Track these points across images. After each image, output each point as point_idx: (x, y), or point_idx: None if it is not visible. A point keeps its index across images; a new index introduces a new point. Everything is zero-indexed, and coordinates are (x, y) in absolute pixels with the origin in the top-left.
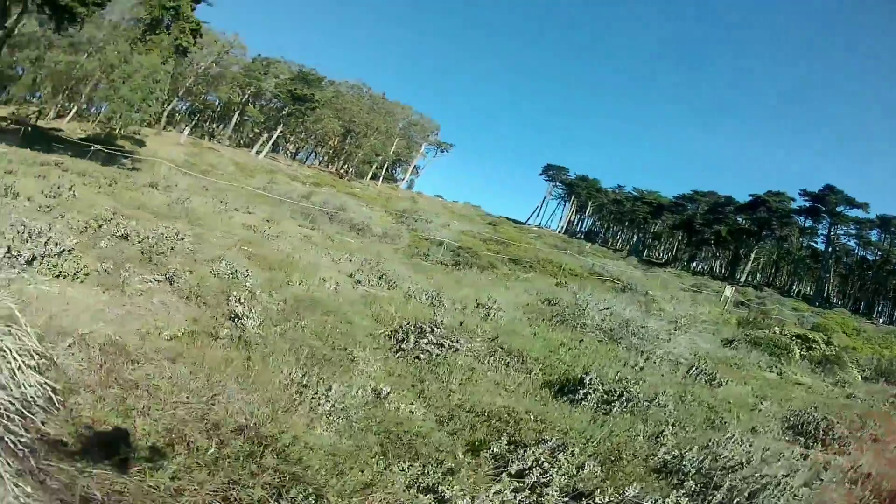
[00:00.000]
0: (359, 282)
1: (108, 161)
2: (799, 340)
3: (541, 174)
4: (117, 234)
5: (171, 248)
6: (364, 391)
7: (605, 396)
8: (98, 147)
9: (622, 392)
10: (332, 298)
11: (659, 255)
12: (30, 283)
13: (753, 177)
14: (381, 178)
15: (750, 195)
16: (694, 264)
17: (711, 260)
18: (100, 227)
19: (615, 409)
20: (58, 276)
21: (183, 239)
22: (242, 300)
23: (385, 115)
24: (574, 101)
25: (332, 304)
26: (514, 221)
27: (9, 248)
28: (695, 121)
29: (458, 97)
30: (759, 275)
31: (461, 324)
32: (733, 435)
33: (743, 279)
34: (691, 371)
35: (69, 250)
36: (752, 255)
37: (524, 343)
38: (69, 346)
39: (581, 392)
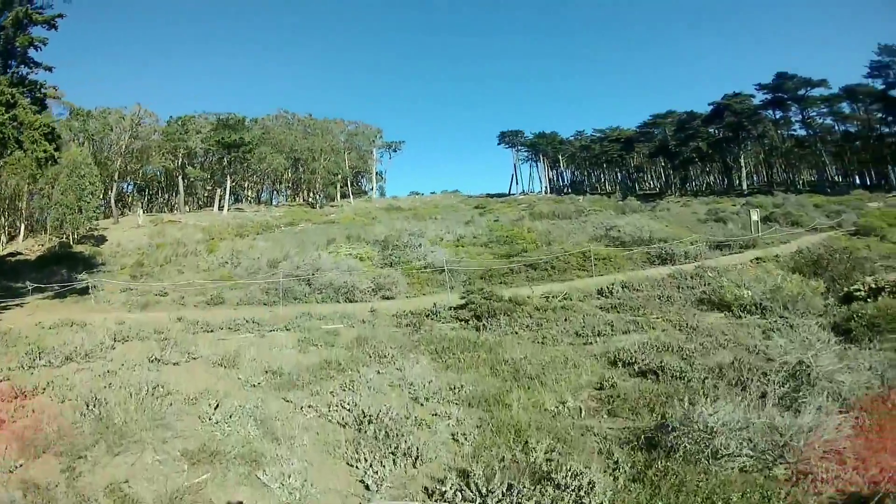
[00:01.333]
0: (367, 488)
1: (63, 288)
2: None
3: (499, 144)
4: None
5: None
6: None
7: None
8: (34, 285)
9: None
10: None
11: (650, 185)
12: None
13: (702, 85)
14: (351, 195)
15: (709, 104)
16: (688, 185)
17: (704, 176)
18: None
19: None
20: None
21: None
22: None
23: (322, 134)
24: (508, 63)
25: None
26: (498, 196)
27: None
28: (627, 44)
29: (396, 95)
30: (755, 177)
31: None
32: None
33: (745, 187)
34: None
35: None
36: (742, 162)
37: None
38: None
39: None
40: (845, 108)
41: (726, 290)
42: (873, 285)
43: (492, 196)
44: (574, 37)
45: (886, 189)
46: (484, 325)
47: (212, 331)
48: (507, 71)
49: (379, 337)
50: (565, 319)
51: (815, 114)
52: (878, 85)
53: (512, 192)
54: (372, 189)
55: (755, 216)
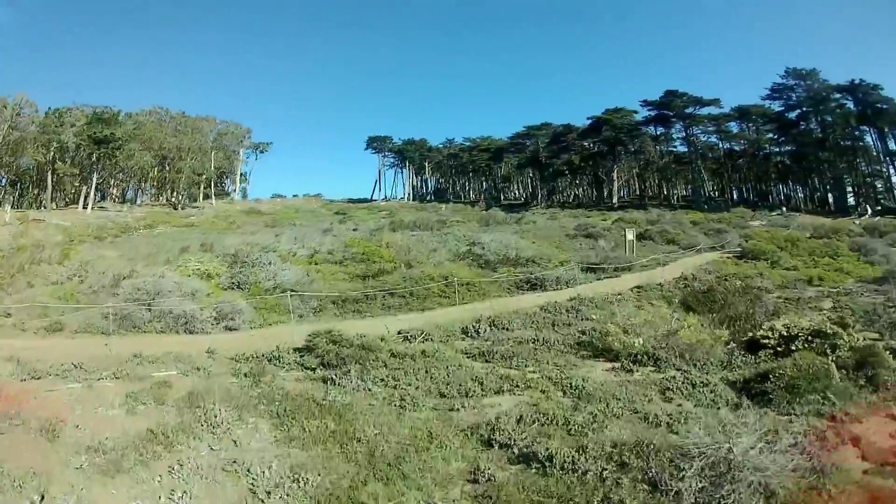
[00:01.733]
0: None
1: None
2: (818, 341)
3: (366, 149)
4: None
5: None
6: None
7: None
8: None
9: None
10: None
11: (516, 195)
12: None
13: (589, 101)
14: (213, 197)
15: (588, 118)
16: (556, 197)
17: (573, 188)
18: None
19: None
20: None
21: None
22: None
23: (192, 133)
24: (382, 70)
25: None
26: (360, 201)
27: None
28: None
29: (267, 94)
30: (626, 190)
31: None
32: None
33: (615, 200)
34: None
35: None
36: (614, 175)
37: None
38: None
39: None
40: (734, 127)
41: (613, 338)
42: (784, 332)
43: (354, 201)
44: (452, 44)
45: (769, 207)
46: (333, 377)
47: (39, 377)
48: (379, 75)
49: (214, 391)
50: (426, 371)
51: (699, 131)
52: (776, 106)
53: (374, 199)
54: (235, 190)
55: (630, 235)
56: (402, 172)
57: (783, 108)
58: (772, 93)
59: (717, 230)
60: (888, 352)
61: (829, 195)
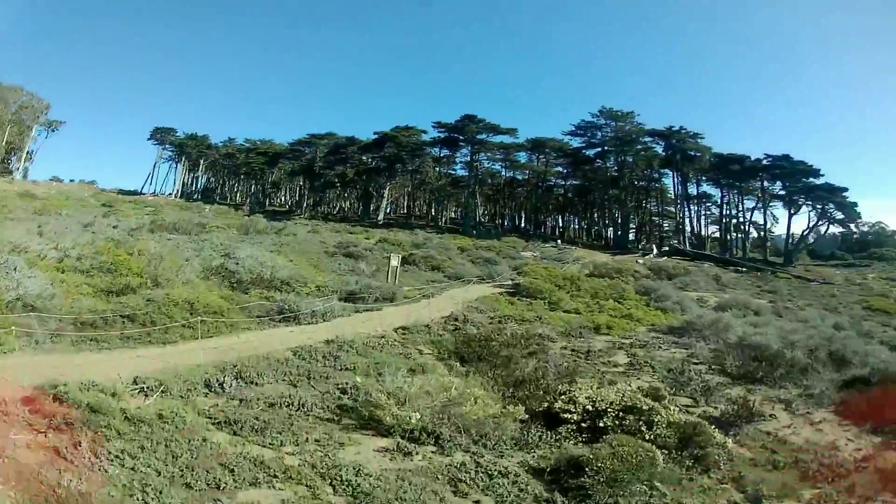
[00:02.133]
0: None
1: None
2: (631, 417)
3: (149, 139)
4: None
5: None
6: None
7: None
8: None
9: None
10: None
11: (282, 202)
12: None
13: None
14: None
15: (375, 133)
16: (321, 209)
17: (341, 200)
18: None
19: None
20: None
21: None
22: None
23: None
24: (177, 60)
25: None
26: (130, 193)
27: None
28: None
29: (65, 67)
30: (394, 207)
31: None
32: None
33: (381, 217)
34: None
35: None
36: (386, 192)
37: None
38: None
39: None
40: (523, 157)
41: (385, 411)
42: (589, 406)
43: (125, 192)
44: (261, 40)
45: (543, 237)
46: (65, 449)
47: None
48: (174, 66)
49: None
50: (166, 446)
51: (485, 158)
52: (577, 143)
53: (143, 192)
54: (18, 169)
55: (395, 261)
56: (176, 167)
57: (584, 145)
58: (576, 129)
59: (487, 259)
60: (710, 423)
61: (610, 230)
